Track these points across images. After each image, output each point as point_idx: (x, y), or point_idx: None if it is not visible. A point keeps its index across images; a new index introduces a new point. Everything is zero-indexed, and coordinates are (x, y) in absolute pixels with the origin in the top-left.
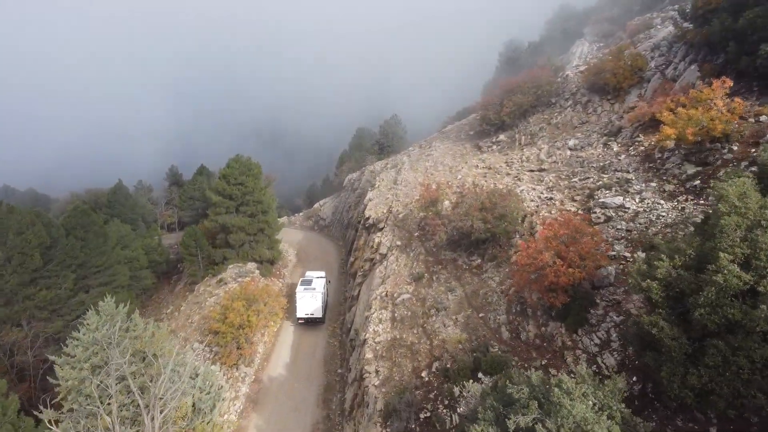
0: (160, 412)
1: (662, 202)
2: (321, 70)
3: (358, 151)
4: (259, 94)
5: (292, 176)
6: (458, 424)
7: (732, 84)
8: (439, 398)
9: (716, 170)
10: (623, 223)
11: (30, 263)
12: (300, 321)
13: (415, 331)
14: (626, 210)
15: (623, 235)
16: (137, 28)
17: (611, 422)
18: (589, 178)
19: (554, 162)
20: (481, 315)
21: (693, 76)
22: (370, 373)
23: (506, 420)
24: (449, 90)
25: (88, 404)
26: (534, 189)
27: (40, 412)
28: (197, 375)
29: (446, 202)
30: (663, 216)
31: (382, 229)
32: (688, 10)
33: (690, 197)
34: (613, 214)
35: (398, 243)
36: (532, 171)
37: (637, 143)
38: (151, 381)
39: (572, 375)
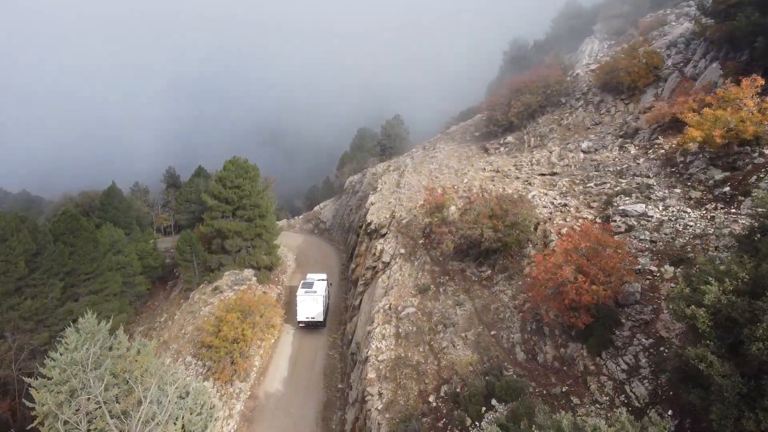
0: None
1: (689, 210)
2: (321, 70)
3: (359, 152)
4: (260, 94)
5: (292, 176)
6: None
7: (763, 82)
8: (449, 427)
9: (746, 176)
10: (646, 233)
11: (14, 272)
12: (300, 325)
13: (421, 349)
14: (649, 219)
15: (647, 246)
16: (137, 28)
17: None
18: (605, 183)
19: (567, 165)
20: (492, 333)
21: (715, 75)
22: (372, 396)
23: None
24: (452, 90)
25: (66, 431)
26: (546, 194)
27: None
28: (188, 394)
29: (452, 208)
30: (691, 226)
31: (385, 235)
32: (708, 5)
33: (719, 205)
34: (635, 223)
35: (402, 251)
36: (543, 175)
37: (656, 146)
38: (136, 404)
39: (596, 404)
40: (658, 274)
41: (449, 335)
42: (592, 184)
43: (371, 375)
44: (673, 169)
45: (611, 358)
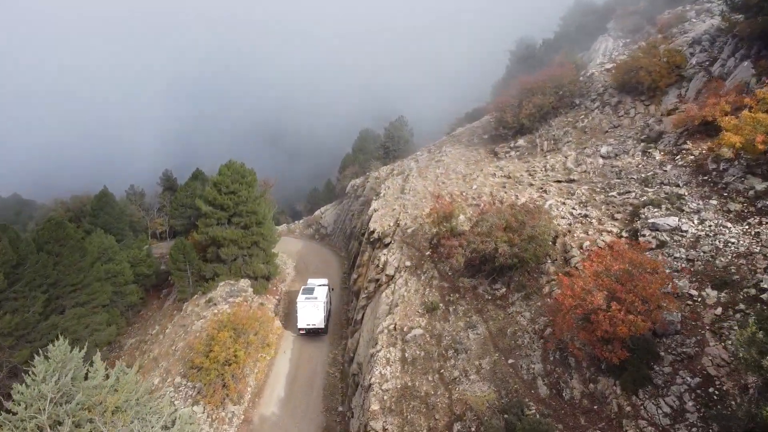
0: None
1: (728, 224)
2: (321, 70)
3: (361, 154)
4: (260, 94)
5: (293, 177)
6: None
7: None
8: None
9: None
10: (682, 250)
11: None
12: (301, 332)
13: (430, 378)
14: (683, 234)
15: (683, 265)
16: (137, 28)
17: None
18: (630, 192)
19: (585, 172)
20: (510, 361)
21: (746, 74)
22: None
23: None
24: (452, 90)
25: None
26: (564, 204)
27: None
28: (173, 423)
29: (461, 217)
30: (732, 243)
31: (389, 245)
32: (737, 0)
33: (764, 219)
34: (668, 239)
35: (407, 263)
36: (559, 182)
37: (684, 151)
38: None
39: None
40: (699, 299)
41: (461, 363)
42: (614, 193)
43: (375, 407)
44: (705, 178)
45: (650, 398)
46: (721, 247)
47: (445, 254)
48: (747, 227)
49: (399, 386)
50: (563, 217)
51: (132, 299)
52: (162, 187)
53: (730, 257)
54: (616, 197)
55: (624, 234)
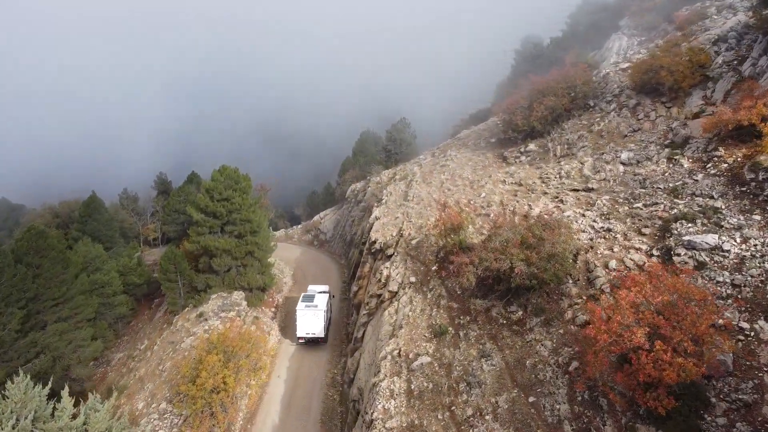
0: None
1: None
2: (321, 70)
3: (362, 156)
4: (260, 94)
5: (293, 177)
6: None
7: None
8: None
9: None
10: (725, 273)
11: None
12: (300, 341)
13: (439, 416)
14: (725, 254)
15: (728, 291)
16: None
17: None
18: (657, 203)
19: (604, 180)
20: (531, 399)
21: None
22: None
23: None
24: (456, 90)
25: None
26: (584, 215)
27: None
28: None
29: (470, 228)
30: None
31: (391, 257)
32: None
33: None
34: (707, 259)
35: (412, 279)
36: (576, 191)
37: (716, 159)
38: None
39: None
40: (752, 334)
41: (475, 399)
42: (639, 204)
43: None
44: (744, 189)
45: None
46: None
47: (454, 271)
48: None
49: (405, 425)
50: (584, 231)
51: (121, 310)
52: (156, 190)
53: None
54: (642, 209)
55: (655, 252)
